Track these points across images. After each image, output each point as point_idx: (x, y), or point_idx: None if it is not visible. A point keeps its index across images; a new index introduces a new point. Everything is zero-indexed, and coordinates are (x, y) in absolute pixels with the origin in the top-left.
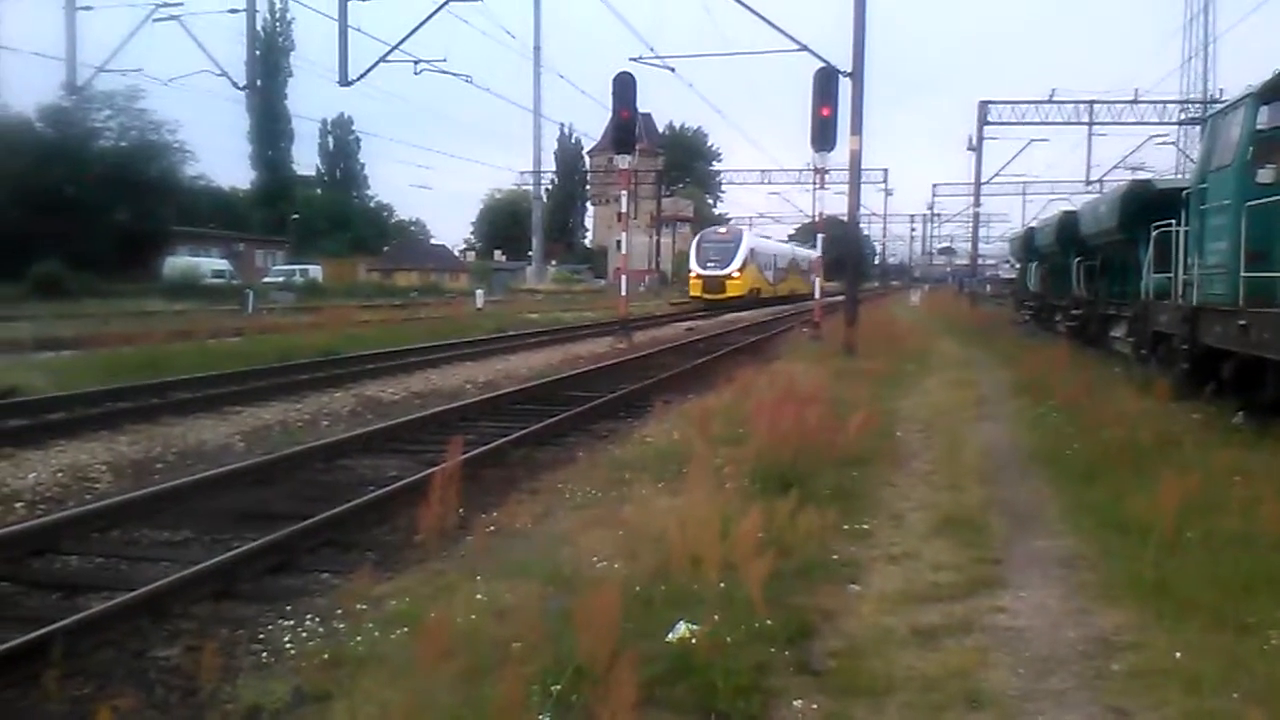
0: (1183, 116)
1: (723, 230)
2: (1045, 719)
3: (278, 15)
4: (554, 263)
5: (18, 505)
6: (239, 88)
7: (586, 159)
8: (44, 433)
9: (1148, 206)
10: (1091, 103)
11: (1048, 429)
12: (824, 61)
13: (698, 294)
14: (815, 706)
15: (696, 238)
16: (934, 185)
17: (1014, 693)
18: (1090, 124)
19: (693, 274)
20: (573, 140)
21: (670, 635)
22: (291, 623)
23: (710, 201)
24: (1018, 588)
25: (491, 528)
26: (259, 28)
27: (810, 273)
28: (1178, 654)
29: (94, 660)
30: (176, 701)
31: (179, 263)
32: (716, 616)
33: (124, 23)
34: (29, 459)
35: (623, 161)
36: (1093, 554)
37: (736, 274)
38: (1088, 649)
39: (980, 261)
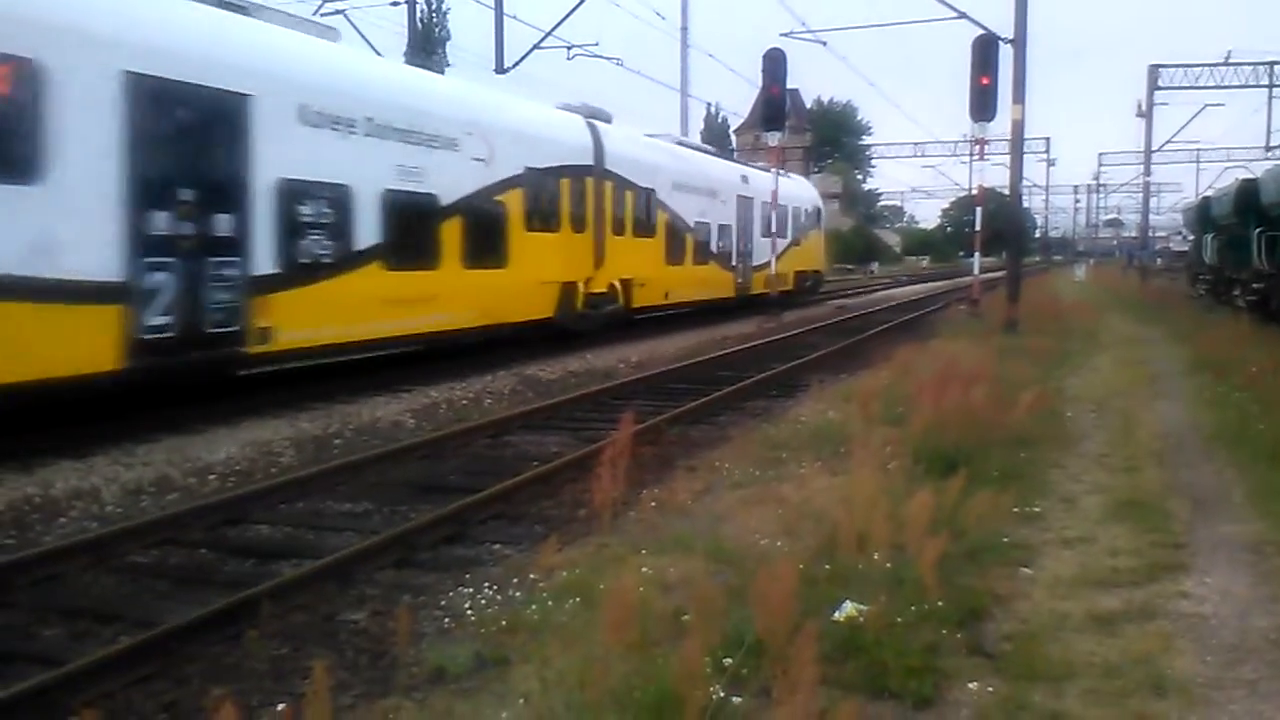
0: None
1: None
2: (1238, 708)
3: (434, 7)
4: None
5: (210, 478)
6: None
7: (733, 137)
8: (232, 411)
9: None
10: (1271, 64)
11: (1229, 408)
12: (983, 28)
13: None
14: (991, 690)
15: None
16: (1100, 154)
17: (1202, 681)
18: (1270, 87)
19: None
20: (719, 119)
21: (837, 614)
22: (470, 590)
23: (859, 177)
24: (1202, 573)
25: (653, 503)
26: (418, 19)
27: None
28: None
29: (289, 623)
30: (366, 664)
31: None
32: (884, 597)
33: None
34: (219, 435)
35: (772, 139)
36: None
37: None
38: None
39: (1150, 233)
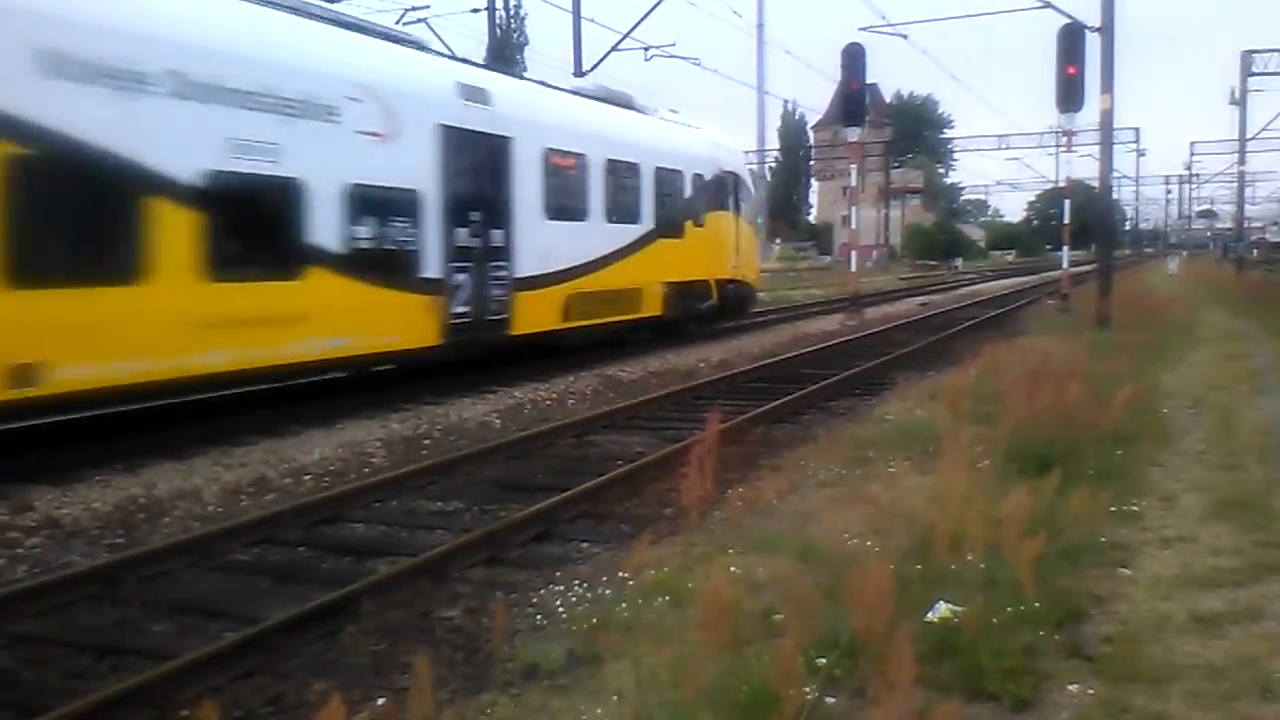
0: None
1: None
2: None
3: (512, 12)
4: (779, 241)
5: (306, 478)
6: None
7: (810, 134)
8: (325, 414)
9: None
10: None
11: None
12: (1069, 17)
13: None
14: (1092, 692)
15: None
16: (1191, 144)
17: None
18: None
19: None
20: (796, 116)
21: (931, 615)
22: (560, 588)
23: (941, 171)
24: None
25: (739, 503)
26: (496, 26)
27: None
28: None
29: (386, 619)
30: (462, 660)
31: None
32: (979, 598)
33: None
34: (313, 436)
35: (851, 134)
36: None
37: None
38: None
39: (1246, 224)
